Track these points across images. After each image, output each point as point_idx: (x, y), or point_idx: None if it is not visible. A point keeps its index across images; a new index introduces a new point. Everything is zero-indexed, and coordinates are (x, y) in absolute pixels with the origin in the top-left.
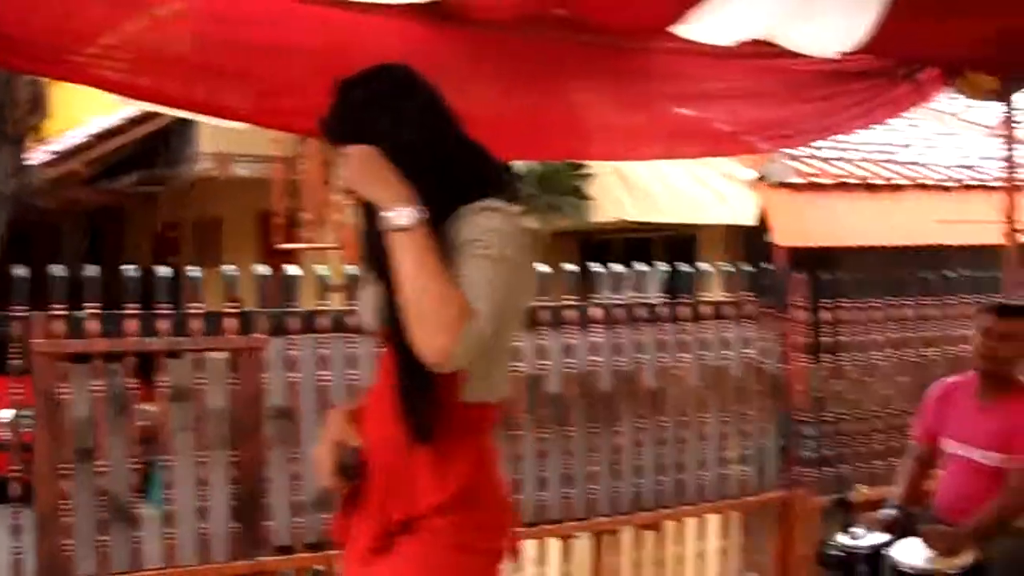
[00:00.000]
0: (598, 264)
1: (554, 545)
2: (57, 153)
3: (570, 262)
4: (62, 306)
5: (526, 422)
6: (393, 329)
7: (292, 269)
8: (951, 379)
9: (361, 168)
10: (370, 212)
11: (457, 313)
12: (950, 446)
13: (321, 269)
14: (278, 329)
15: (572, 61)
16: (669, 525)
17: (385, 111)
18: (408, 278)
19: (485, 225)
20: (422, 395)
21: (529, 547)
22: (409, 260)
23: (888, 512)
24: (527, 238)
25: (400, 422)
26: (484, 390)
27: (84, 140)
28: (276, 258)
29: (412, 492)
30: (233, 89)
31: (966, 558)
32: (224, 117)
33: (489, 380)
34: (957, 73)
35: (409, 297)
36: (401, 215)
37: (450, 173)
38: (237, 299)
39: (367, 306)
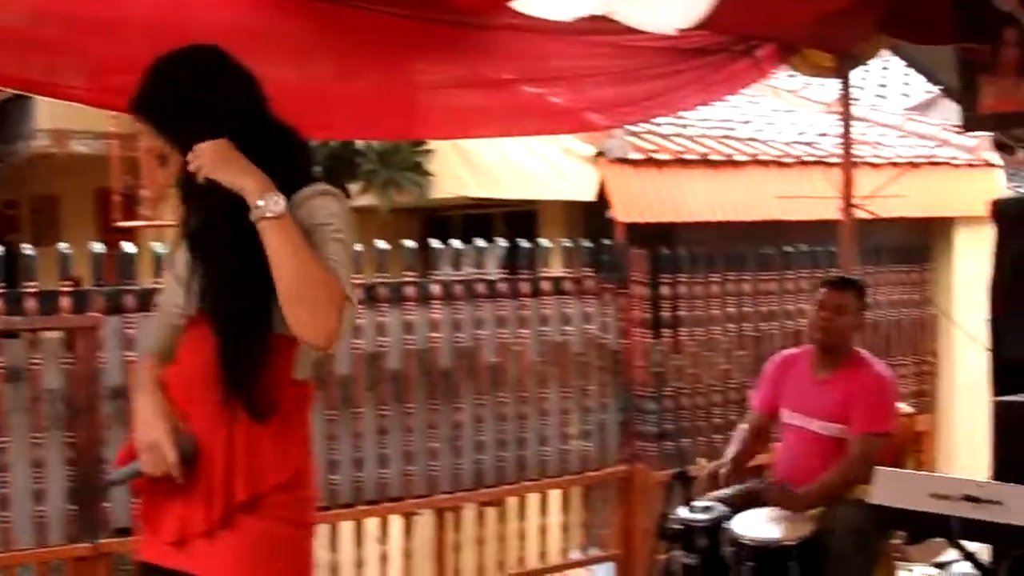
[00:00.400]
0: (438, 240)
1: (396, 522)
2: None
3: (411, 239)
4: None
5: (366, 399)
6: (221, 311)
7: (129, 247)
8: (790, 351)
9: (220, 158)
10: (197, 196)
11: (339, 296)
12: (787, 416)
13: (159, 247)
14: (114, 308)
15: (413, 38)
16: (511, 501)
17: (208, 94)
18: (289, 265)
19: (330, 209)
20: (255, 374)
21: (371, 525)
22: (288, 247)
23: (718, 464)
24: (353, 220)
25: (228, 402)
26: (308, 367)
27: None
28: (115, 236)
29: (256, 470)
30: (68, 66)
31: (804, 528)
32: (59, 96)
33: (312, 357)
34: (794, 50)
35: (292, 284)
36: (272, 203)
37: (280, 157)
38: (75, 278)
39: (175, 289)
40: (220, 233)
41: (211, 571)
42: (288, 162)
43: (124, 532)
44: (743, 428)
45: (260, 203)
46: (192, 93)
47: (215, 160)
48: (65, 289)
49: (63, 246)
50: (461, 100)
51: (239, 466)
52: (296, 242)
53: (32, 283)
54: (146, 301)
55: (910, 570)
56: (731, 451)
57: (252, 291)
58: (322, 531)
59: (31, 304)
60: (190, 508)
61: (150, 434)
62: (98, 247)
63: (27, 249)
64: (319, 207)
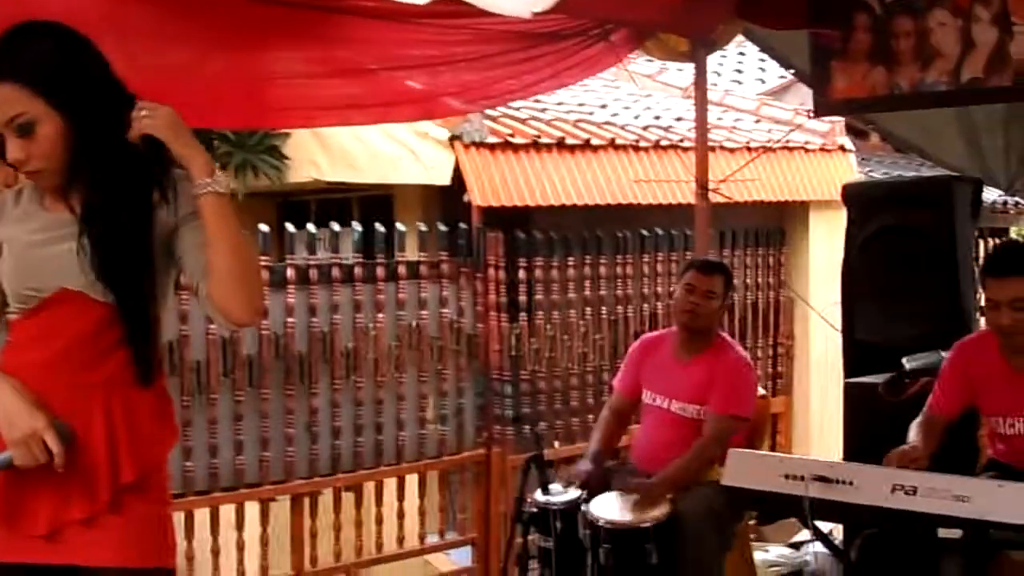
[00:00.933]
0: (294, 225)
1: (252, 508)
2: None
3: (266, 223)
4: None
5: (221, 385)
6: (125, 285)
7: None
8: (653, 334)
9: (175, 123)
10: (92, 168)
11: (261, 275)
12: (648, 398)
13: None
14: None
15: (266, 23)
16: (368, 486)
17: (86, 60)
18: (231, 242)
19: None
20: (149, 347)
21: (228, 512)
22: (230, 225)
23: (584, 465)
24: None
25: (96, 380)
26: (162, 346)
27: None
28: None
29: (140, 450)
30: None
31: (660, 510)
32: None
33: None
34: (650, 35)
35: (232, 260)
36: (218, 181)
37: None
38: None
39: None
40: (128, 208)
41: (93, 559)
42: (154, 144)
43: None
44: (604, 413)
45: (208, 179)
46: (73, 57)
47: (169, 124)
48: None
49: None
50: (316, 88)
51: (122, 447)
52: (233, 221)
53: None
54: None
55: (765, 550)
56: (593, 445)
57: (150, 266)
58: (177, 519)
59: None
60: (63, 496)
61: (26, 425)
62: None
63: None
64: (182, 197)
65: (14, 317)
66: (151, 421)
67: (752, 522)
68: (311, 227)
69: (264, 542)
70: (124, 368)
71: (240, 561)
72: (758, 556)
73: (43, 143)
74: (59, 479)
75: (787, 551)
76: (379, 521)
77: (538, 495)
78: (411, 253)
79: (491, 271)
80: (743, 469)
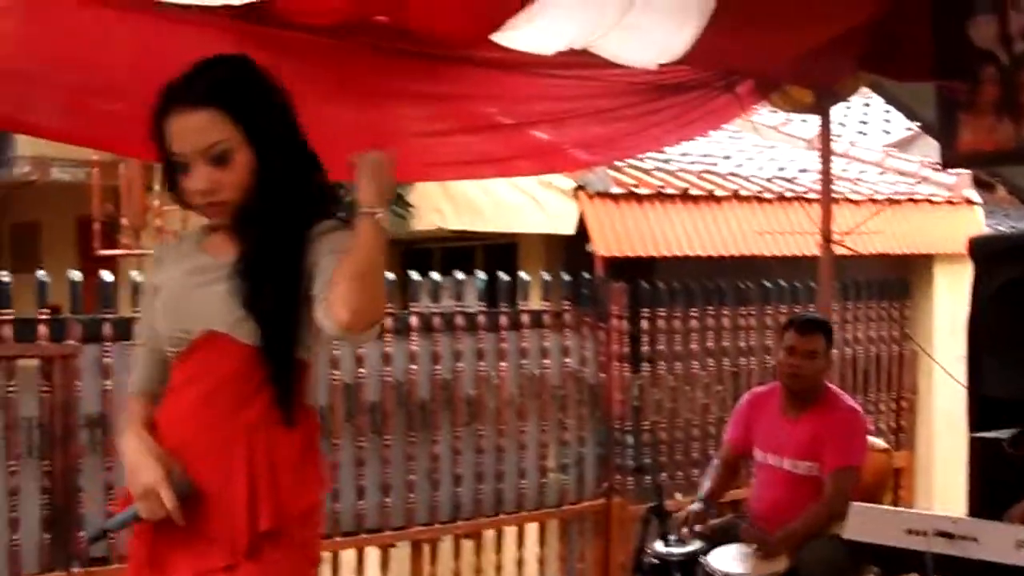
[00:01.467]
0: (418, 272)
1: (372, 554)
2: None
3: (391, 271)
4: None
5: (344, 430)
6: (271, 326)
7: (108, 275)
8: (760, 389)
9: (379, 164)
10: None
11: (385, 299)
12: (759, 456)
13: (138, 275)
14: (92, 336)
15: (394, 78)
16: (488, 533)
17: (277, 94)
18: (369, 256)
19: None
20: (290, 389)
21: (348, 556)
22: (377, 246)
23: (695, 506)
24: None
25: (239, 424)
26: (314, 396)
27: None
28: (95, 264)
29: (280, 498)
30: (43, 100)
31: (780, 564)
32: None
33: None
34: (774, 86)
35: (365, 265)
36: (383, 214)
37: (320, 182)
38: (53, 306)
39: (156, 313)
40: (288, 249)
41: None
42: (324, 189)
43: (99, 562)
44: (716, 463)
45: (376, 207)
46: (265, 91)
47: (369, 162)
48: (43, 317)
49: (41, 274)
50: (442, 141)
51: (262, 494)
52: (380, 246)
53: (9, 311)
54: (125, 330)
55: None
56: (704, 488)
57: (297, 308)
58: None
59: (8, 332)
60: (205, 544)
61: (144, 479)
62: (77, 275)
63: (4, 276)
64: (342, 238)
65: (172, 360)
66: (294, 468)
67: None
68: (435, 275)
69: None
70: (269, 412)
71: None
72: None
73: (238, 173)
74: (201, 527)
75: None
76: (498, 569)
77: (658, 546)
78: (534, 302)
79: (614, 321)
80: (865, 523)
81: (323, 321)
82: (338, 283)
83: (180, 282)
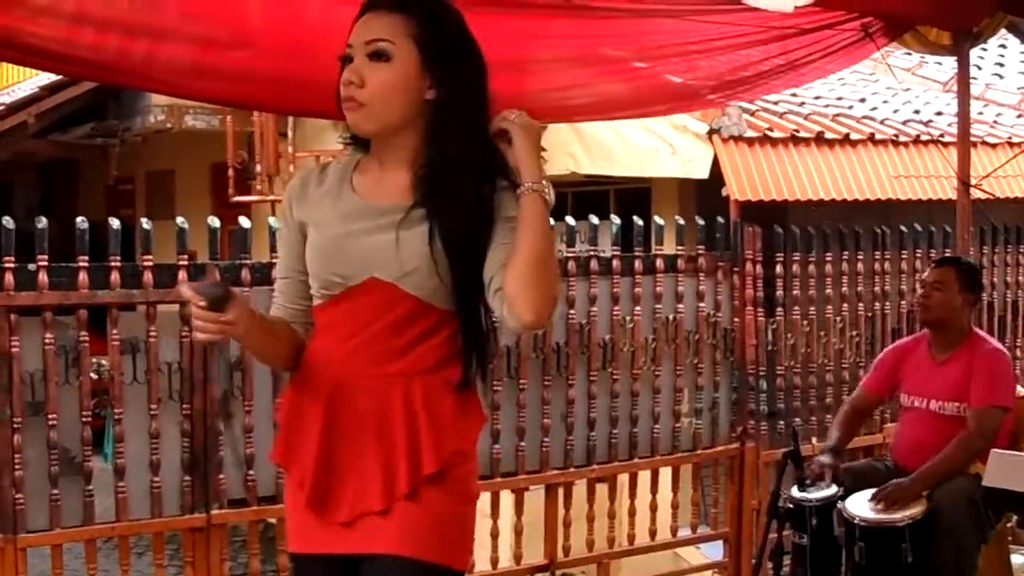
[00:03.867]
0: (552, 217)
1: (507, 497)
2: (6, 106)
3: None
4: (12, 259)
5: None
6: (463, 281)
7: (244, 222)
8: (907, 338)
9: (532, 131)
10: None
11: (558, 284)
12: (905, 400)
13: (273, 221)
14: (231, 281)
15: (527, 21)
16: (622, 478)
17: (471, 42)
18: (541, 243)
19: (514, 205)
20: (488, 341)
21: (483, 500)
22: (545, 228)
23: (824, 459)
24: None
25: (396, 371)
26: None
27: (34, 92)
28: (230, 210)
29: (441, 441)
30: (170, 52)
31: (916, 508)
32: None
33: None
34: (908, 27)
35: (538, 256)
36: (547, 189)
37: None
38: (191, 252)
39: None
40: (472, 195)
41: (375, 546)
42: (494, 148)
43: (238, 503)
44: (845, 409)
45: (539, 183)
46: (452, 17)
47: (527, 130)
48: (182, 263)
49: (180, 220)
50: (576, 82)
51: (423, 437)
52: (547, 226)
53: (149, 257)
54: (262, 275)
55: (1023, 554)
56: (832, 439)
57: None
58: None
59: (148, 278)
60: (365, 485)
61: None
62: (215, 222)
63: (144, 223)
64: (508, 201)
65: (318, 302)
66: (454, 410)
67: (1010, 524)
68: (569, 219)
69: (518, 531)
70: (426, 359)
71: (494, 549)
72: (1016, 559)
73: (389, 77)
74: (364, 468)
75: None
76: (632, 513)
77: (794, 491)
78: (668, 247)
79: (748, 265)
80: (1004, 470)
81: (503, 316)
82: (516, 277)
83: (337, 227)
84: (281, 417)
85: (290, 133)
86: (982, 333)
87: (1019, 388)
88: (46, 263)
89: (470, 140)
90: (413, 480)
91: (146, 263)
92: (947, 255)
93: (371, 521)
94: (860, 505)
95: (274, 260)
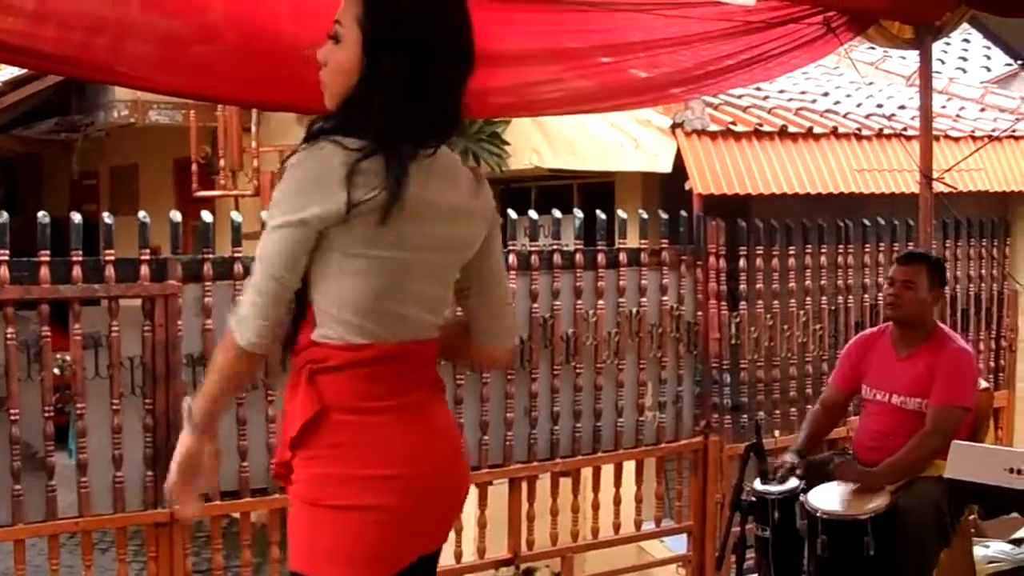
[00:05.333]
0: (515, 211)
1: (470, 492)
2: None
3: None
4: None
5: (443, 369)
6: None
7: (207, 216)
8: (871, 330)
9: None
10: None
11: None
12: (867, 392)
13: (236, 216)
14: (193, 276)
15: (495, 17)
16: (586, 471)
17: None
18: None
19: None
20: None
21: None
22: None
23: (788, 457)
24: None
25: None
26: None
27: None
28: (193, 205)
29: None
30: (135, 45)
31: (879, 502)
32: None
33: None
34: (871, 21)
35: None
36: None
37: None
38: (153, 247)
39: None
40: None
41: None
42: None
43: (202, 498)
44: (815, 408)
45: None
46: (409, 12)
47: None
48: (144, 258)
49: (142, 215)
50: (541, 77)
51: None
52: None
53: (111, 251)
54: (225, 270)
55: (986, 546)
56: (800, 439)
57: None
58: None
59: (110, 272)
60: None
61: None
62: (176, 216)
63: (107, 218)
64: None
65: None
66: (295, 398)
67: (972, 517)
68: (533, 214)
69: (481, 525)
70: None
71: (457, 543)
72: (978, 552)
73: (334, 58)
74: None
75: (1008, 547)
76: (595, 507)
77: (756, 484)
78: (632, 240)
79: (711, 259)
80: (966, 462)
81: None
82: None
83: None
84: None
85: (254, 128)
86: (947, 330)
87: (980, 381)
88: (7, 258)
89: (390, 111)
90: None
91: (108, 257)
92: (912, 250)
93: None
94: (822, 498)
95: (236, 255)
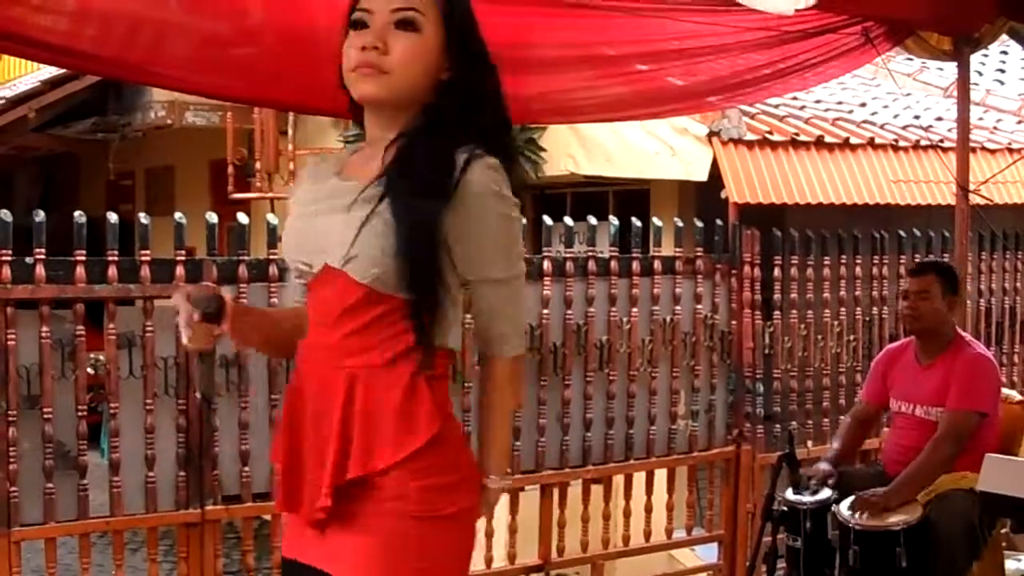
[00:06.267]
0: (550, 217)
1: (502, 497)
2: (7, 100)
3: (524, 215)
4: (9, 252)
5: (475, 375)
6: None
7: (243, 218)
8: (896, 344)
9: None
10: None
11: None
12: (894, 405)
13: (272, 218)
14: (228, 277)
15: (530, 21)
16: (617, 479)
17: (471, 15)
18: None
19: None
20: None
21: None
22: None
23: (822, 465)
24: None
25: (344, 365)
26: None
27: (35, 87)
28: (229, 207)
29: (370, 447)
30: (174, 46)
31: (911, 514)
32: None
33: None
34: (909, 32)
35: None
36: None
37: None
38: (189, 248)
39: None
40: (436, 181)
41: (330, 566)
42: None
43: (233, 499)
44: (847, 420)
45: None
46: (474, 14)
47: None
48: (180, 259)
49: (179, 216)
50: (577, 84)
51: (355, 441)
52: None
53: (147, 252)
54: (260, 271)
55: (1018, 559)
56: (833, 449)
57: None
58: None
59: (146, 272)
60: (313, 488)
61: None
62: (213, 218)
63: (143, 218)
64: (479, 175)
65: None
66: (397, 414)
67: (1005, 530)
68: (568, 220)
69: (512, 530)
70: (372, 355)
71: (488, 548)
72: (1010, 565)
73: (413, 47)
74: (315, 465)
75: None
76: (627, 514)
77: (788, 494)
78: (667, 248)
79: (746, 268)
80: (998, 475)
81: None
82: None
83: (304, 208)
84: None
85: (290, 131)
86: (967, 337)
87: (1013, 393)
88: (43, 256)
89: (471, 129)
90: (334, 484)
91: (144, 258)
92: (922, 261)
93: (333, 535)
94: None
95: (271, 257)
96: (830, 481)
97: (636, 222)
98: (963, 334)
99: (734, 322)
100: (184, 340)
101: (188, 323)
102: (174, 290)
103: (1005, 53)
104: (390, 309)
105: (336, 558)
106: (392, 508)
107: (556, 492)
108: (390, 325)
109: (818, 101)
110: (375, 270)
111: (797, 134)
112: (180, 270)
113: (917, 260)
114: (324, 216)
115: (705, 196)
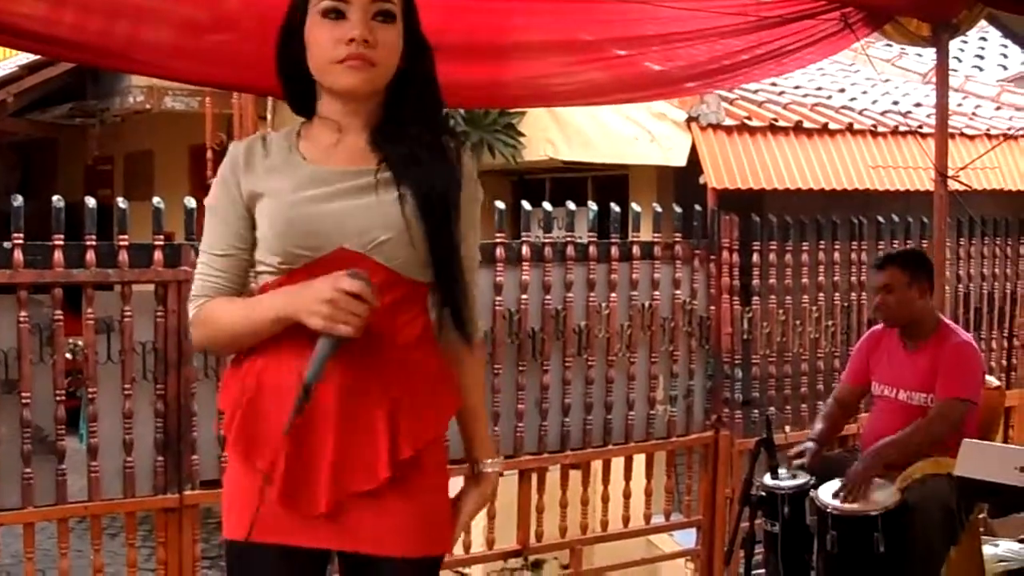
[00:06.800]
0: (529, 203)
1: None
2: None
3: (503, 200)
4: None
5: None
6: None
7: None
8: (880, 327)
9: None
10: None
11: None
12: (876, 388)
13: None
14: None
15: (509, 7)
16: (596, 464)
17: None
18: None
19: None
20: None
21: (454, 484)
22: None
23: (807, 444)
24: None
25: (376, 348)
26: None
27: (12, 71)
28: (207, 192)
29: (418, 422)
30: (151, 33)
31: (889, 499)
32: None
33: None
34: (888, 17)
35: None
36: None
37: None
38: (167, 233)
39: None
40: (444, 165)
41: (380, 548)
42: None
43: (211, 484)
44: (830, 402)
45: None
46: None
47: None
48: (158, 243)
49: (157, 201)
50: (556, 69)
51: (402, 420)
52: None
53: (125, 237)
54: None
55: (995, 544)
56: (816, 430)
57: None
58: None
59: (124, 257)
60: (343, 470)
61: (320, 289)
62: (191, 202)
63: (121, 203)
64: (467, 161)
65: (271, 278)
66: (429, 392)
67: (982, 515)
68: (547, 205)
69: (491, 516)
70: (397, 337)
71: (467, 533)
72: (987, 550)
73: (395, 39)
74: (340, 455)
75: (1017, 546)
76: (605, 500)
77: (766, 479)
78: (645, 233)
79: (724, 254)
80: (976, 460)
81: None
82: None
83: (292, 194)
84: (230, 403)
85: (269, 116)
86: (951, 324)
87: (991, 379)
88: (21, 241)
89: (432, 110)
90: (393, 465)
91: (122, 243)
92: (881, 254)
93: (355, 515)
94: (833, 494)
95: None
96: (808, 456)
97: (615, 207)
98: (946, 321)
99: (712, 307)
100: (354, 329)
101: (351, 308)
102: (348, 280)
103: (984, 39)
104: (411, 293)
105: (366, 536)
106: (428, 483)
107: (534, 477)
108: (411, 310)
109: (797, 87)
110: (401, 254)
111: (776, 119)
112: (158, 255)
113: (902, 246)
114: (328, 202)
115: (684, 181)
